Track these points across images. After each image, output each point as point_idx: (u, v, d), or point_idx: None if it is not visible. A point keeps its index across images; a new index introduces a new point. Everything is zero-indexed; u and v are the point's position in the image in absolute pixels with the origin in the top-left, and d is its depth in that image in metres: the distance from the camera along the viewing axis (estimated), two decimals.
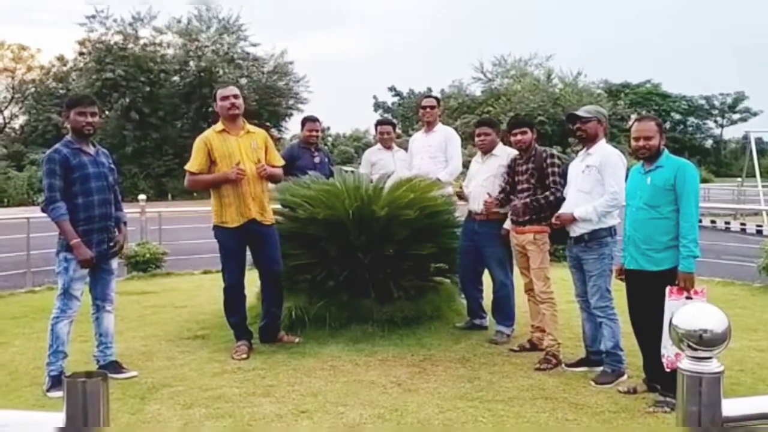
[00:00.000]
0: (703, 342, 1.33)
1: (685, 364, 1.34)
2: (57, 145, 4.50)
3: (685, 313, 1.39)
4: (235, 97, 5.07)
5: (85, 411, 1.27)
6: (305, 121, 6.69)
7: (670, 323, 1.40)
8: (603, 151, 4.59)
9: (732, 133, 61.49)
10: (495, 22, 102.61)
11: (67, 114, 4.54)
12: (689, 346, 1.34)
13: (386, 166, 6.43)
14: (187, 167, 5.10)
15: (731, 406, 1.33)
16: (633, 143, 4.17)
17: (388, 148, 6.78)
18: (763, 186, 20.29)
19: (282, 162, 5.45)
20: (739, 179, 26.92)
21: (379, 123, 7.04)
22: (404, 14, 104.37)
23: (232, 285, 5.17)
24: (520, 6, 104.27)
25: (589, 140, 4.65)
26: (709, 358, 1.33)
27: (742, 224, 17.62)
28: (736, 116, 58.96)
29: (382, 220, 5.34)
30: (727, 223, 18.06)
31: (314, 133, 6.56)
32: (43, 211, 4.48)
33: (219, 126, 5.10)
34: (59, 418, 1.27)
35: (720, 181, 41.56)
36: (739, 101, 58.00)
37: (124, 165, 30.30)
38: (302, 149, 6.56)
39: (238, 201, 4.99)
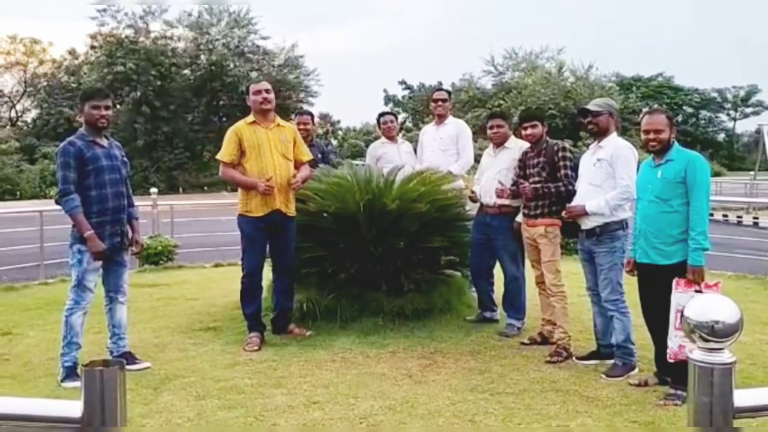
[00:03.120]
0: (715, 333, 1.33)
1: (697, 354, 1.34)
2: (71, 138, 4.52)
3: (697, 304, 1.39)
4: (267, 91, 5.26)
5: (103, 399, 1.28)
6: (296, 115, 6.65)
7: (682, 315, 1.40)
8: (614, 144, 4.58)
9: (745, 126, 61.13)
10: (506, 15, 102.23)
11: (81, 107, 4.57)
12: (701, 337, 1.34)
13: (391, 159, 6.42)
14: (218, 156, 5.29)
15: (743, 397, 1.33)
16: (643, 136, 4.15)
17: (392, 139, 6.77)
18: None
19: (309, 156, 5.53)
20: (752, 173, 26.75)
21: (380, 116, 7.01)
22: (414, 7, 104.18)
23: (251, 273, 5.27)
24: None
25: (600, 134, 4.64)
26: (721, 349, 1.34)
27: (755, 218, 17.48)
28: (749, 110, 58.40)
29: (392, 213, 5.35)
30: (739, 217, 17.94)
31: (302, 127, 6.32)
32: (57, 203, 4.51)
33: (250, 118, 5.28)
34: (77, 407, 1.29)
35: (732, 174, 41.24)
36: (752, 94, 57.44)
37: (135, 158, 30.31)
38: None
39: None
